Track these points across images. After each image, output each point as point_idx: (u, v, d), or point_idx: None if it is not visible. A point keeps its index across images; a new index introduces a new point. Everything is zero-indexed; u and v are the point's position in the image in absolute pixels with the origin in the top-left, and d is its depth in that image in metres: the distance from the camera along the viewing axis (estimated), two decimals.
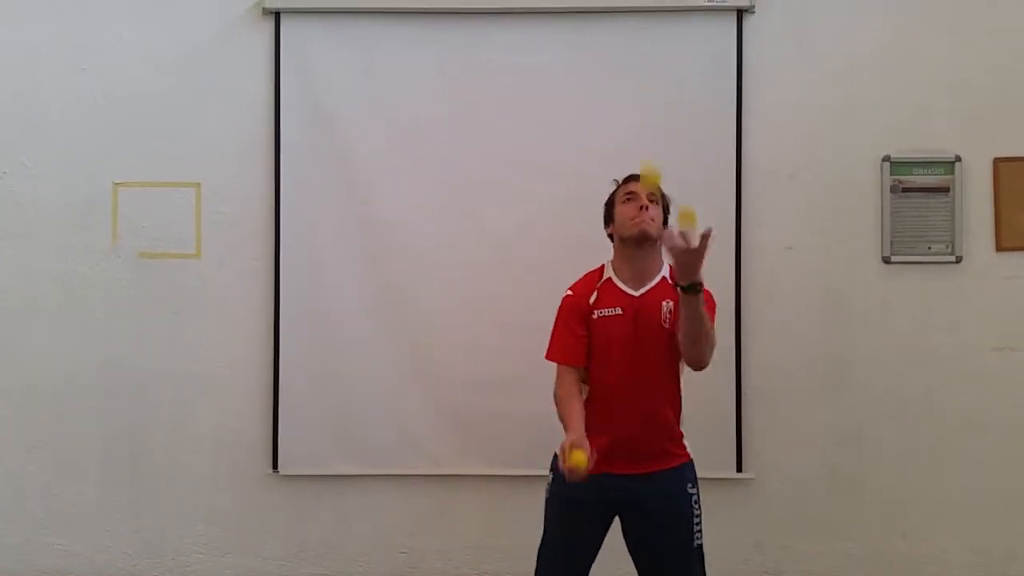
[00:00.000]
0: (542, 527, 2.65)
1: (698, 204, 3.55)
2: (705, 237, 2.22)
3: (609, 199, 2.65)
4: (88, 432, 3.68)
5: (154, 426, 3.68)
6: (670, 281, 2.54)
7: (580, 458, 2.27)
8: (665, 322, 2.50)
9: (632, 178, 2.60)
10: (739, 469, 3.61)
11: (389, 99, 3.62)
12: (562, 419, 2.49)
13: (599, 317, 2.51)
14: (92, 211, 3.67)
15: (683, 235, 2.21)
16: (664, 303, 2.52)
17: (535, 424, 3.39)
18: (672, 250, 2.25)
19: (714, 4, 3.61)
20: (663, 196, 2.59)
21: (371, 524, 3.69)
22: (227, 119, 3.67)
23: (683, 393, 2.62)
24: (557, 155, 3.58)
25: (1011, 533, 3.63)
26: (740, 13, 3.61)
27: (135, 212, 3.67)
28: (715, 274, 3.50)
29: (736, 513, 3.64)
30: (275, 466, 3.65)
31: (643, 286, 2.53)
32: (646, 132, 3.58)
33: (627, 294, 2.53)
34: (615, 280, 2.55)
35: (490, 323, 3.58)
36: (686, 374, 2.61)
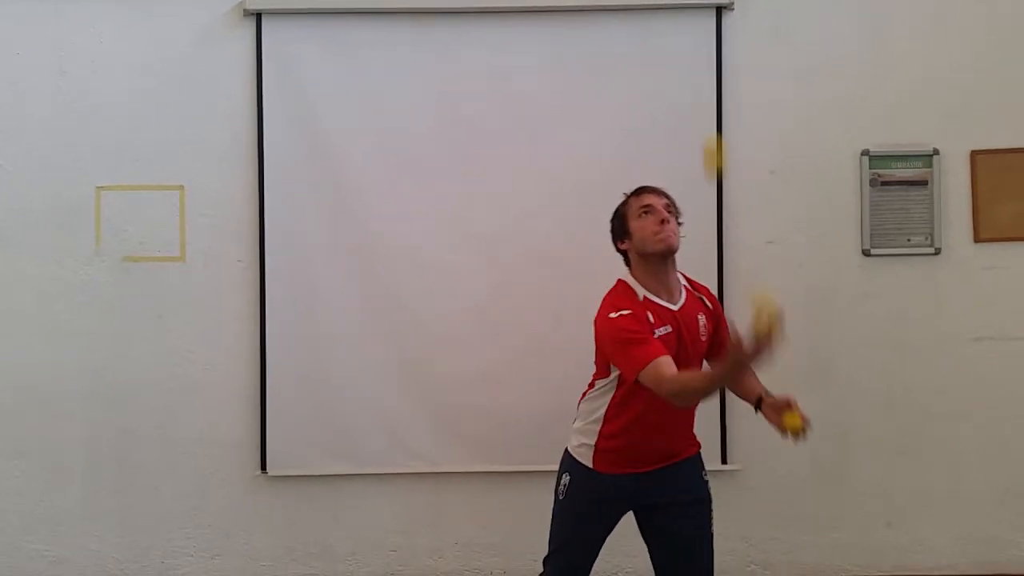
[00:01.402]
0: (552, 530, 2.64)
1: (679, 200, 3.59)
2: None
3: (619, 213, 2.59)
4: (73, 437, 3.66)
5: (140, 429, 3.67)
6: (693, 291, 2.59)
7: (794, 420, 2.34)
8: (703, 336, 2.54)
9: (645, 190, 2.56)
10: (724, 461, 3.65)
11: (372, 99, 3.63)
12: (707, 385, 2.35)
13: (658, 336, 2.41)
14: (75, 215, 3.65)
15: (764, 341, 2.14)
16: (699, 317, 2.54)
17: (523, 421, 3.42)
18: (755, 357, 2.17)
19: (693, 1, 3.64)
20: (676, 206, 2.58)
21: (360, 523, 3.69)
22: (209, 121, 3.66)
23: None
24: (540, 154, 3.60)
25: (993, 520, 3.68)
26: (719, 10, 3.64)
27: (118, 216, 3.66)
28: (697, 269, 3.52)
29: (722, 505, 3.57)
30: (263, 467, 3.65)
31: (676, 299, 2.51)
32: (628, 129, 3.61)
33: (669, 310, 2.49)
34: (651, 297, 2.48)
35: (476, 322, 3.59)
36: None
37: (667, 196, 2.56)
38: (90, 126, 3.65)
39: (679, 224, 2.54)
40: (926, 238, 3.68)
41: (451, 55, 3.64)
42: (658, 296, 2.49)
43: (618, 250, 2.60)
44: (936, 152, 3.67)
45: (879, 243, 3.67)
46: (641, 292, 2.49)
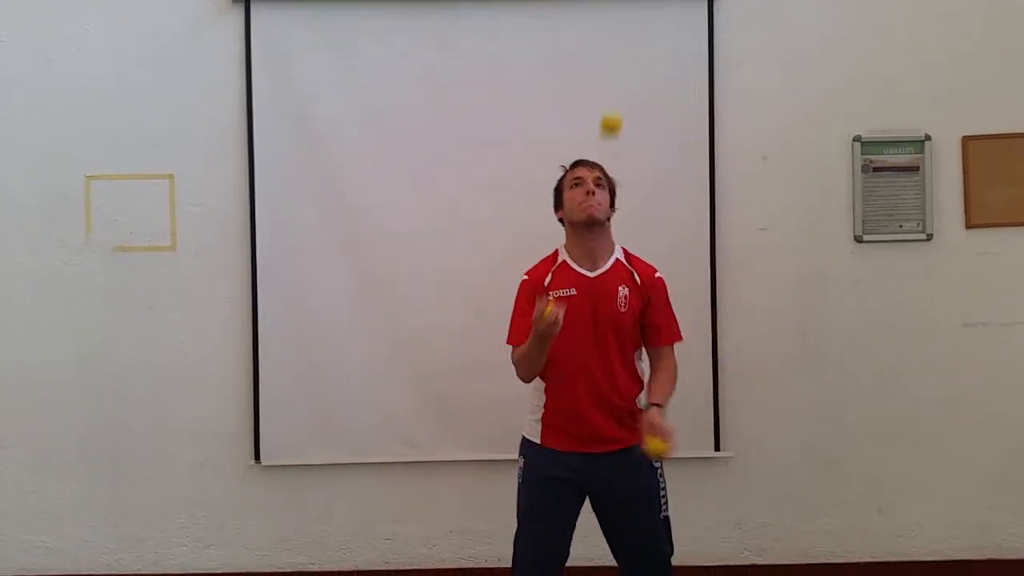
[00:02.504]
0: (516, 509, 2.71)
1: (672, 187, 3.64)
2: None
3: (558, 184, 2.76)
4: (66, 427, 3.66)
5: (133, 420, 3.66)
6: (625, 264, 2.67)
7: (546, 307, 2.39)
8: (621, 307, 2.61)
9: (579, 163, 2.71)
10: (717, 448, 3.66)
11: (362, 86, 3.61)
12: (525, 353, 2.56)
13: (554, 298, 2.56)
14: (64, 205, 3.64)
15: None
16: (620, 288, 2.63)
17: (515, 408, 3.39)
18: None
19: None
20: (609, 179, 2.70)
21: (354, 512, 3.70)
22: (199, 109, 3.64)
23: (641, 370, 2.71)
24: (531, 141, 3.59)
25: (984, 506, 3.70)
26: None
27: (108, 205, 3.64)
28: (690, 256, 3.60)
29: (715, 491, 3.69)
30: (257, 457, 3.65)
31: (597, 268, 2.64)
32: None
33: (582, 275, 2.63)
34: (569, 262, 2.65)
35: (468, 309, 3.59)
36: None
37: (600, 169, 2.69)
38: (79, 115, 3.63)
39: (612, 195, 2.69)
40: (918, 224, 3.68)
41: (442, 43, 3.62)
42: (579, 264, 2.64)
43: (559, 219, 2.75)
44: (928, 138, 3.67)
45: (871, 229, 3.68)
46: (562, 257, 2.67)
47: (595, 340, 2.59)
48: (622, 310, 2.61)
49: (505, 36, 3.63)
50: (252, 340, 3.63)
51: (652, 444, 2.43)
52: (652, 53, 3.63)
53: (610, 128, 2.59)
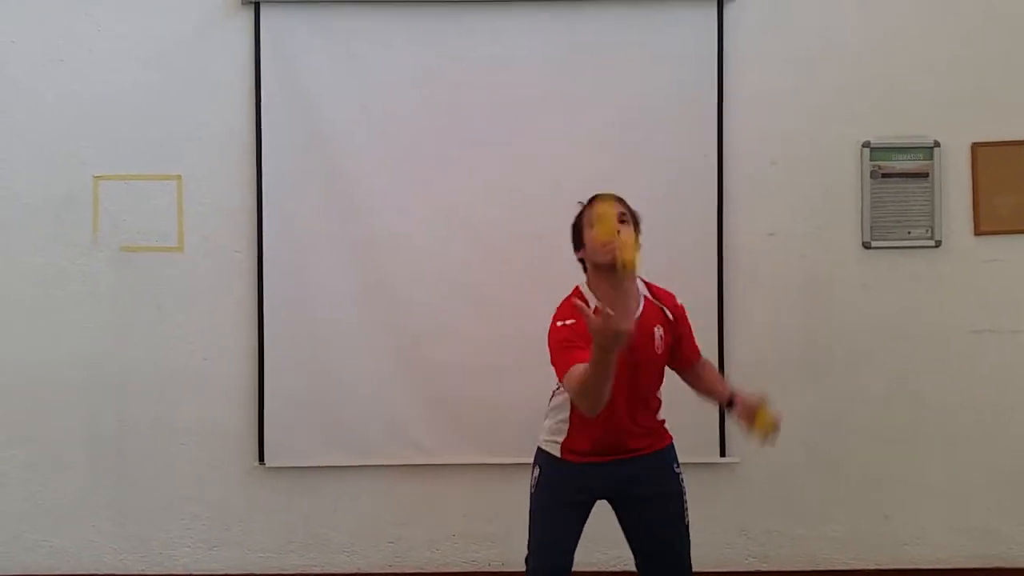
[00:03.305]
0: (529, 520, 2.62)
1: (680, 192, 3.63)
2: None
3: (576, 222, 2.54)
4: (72, 427, 3.66)
5: (138, 420, 3.67)
6: (653, 301, 2.53)
7: (631, 254, 2.24)
8: (659, 349, 2.50)
9: (597, 198, 2.47)
10: (723, 453, 3.65)
11: (370, 89, 3.61)
12: (589, 377, 2.18)
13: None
14: (72, 205, 3.64)
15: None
16: (656, 329, 2.49)
17: (521, 412, 3.41)
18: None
19: None
20: (632, 212, 2.49)
21: (358, 515, 3.69)
22: (207, 111, 3.64)
23: (667, 378, 2.64)
24: (538, 144, 3.59)
25: (991, 513, 3.69)
26: (720, 1, 3.62)
27: (116, 205, 3.65)
28: (698, 261, 3.59)
29: (720, 497, 3.67)
30: (261, 458, 3.65)
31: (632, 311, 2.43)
32: (628, 120, 3.60)
33: None
34: (603, 308, 2.34)
35: (474, 312, 3.59)
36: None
37: (621, 202, 2.46)
38: (88, 115, 3.64)
39: (637, 230, 2.47)
40: (926, 230, 3.67)
41: (449, 45, 3.62)
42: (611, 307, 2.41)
43: (579, 259, 2.55)
44: (937, 144, 3.65)
45: (879, 235, 3.66)
46: (594, 302, 2.42)
47: (630, 384, 2.44)
48: (659, 352, 2.50)
49: (513, 39, 3.63)
50: (258, 341, 3.63)
51: (762, 420, 2.41)
52: (661, 57, 3.62)
53: (627, 266, 2.33)
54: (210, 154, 3.64)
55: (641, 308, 2.49)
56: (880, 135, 3.66)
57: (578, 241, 2.53)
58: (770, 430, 2.44)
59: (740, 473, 3.68)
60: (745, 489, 3.68)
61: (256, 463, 3.65)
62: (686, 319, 2.62)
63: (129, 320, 3.65)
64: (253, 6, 3.60)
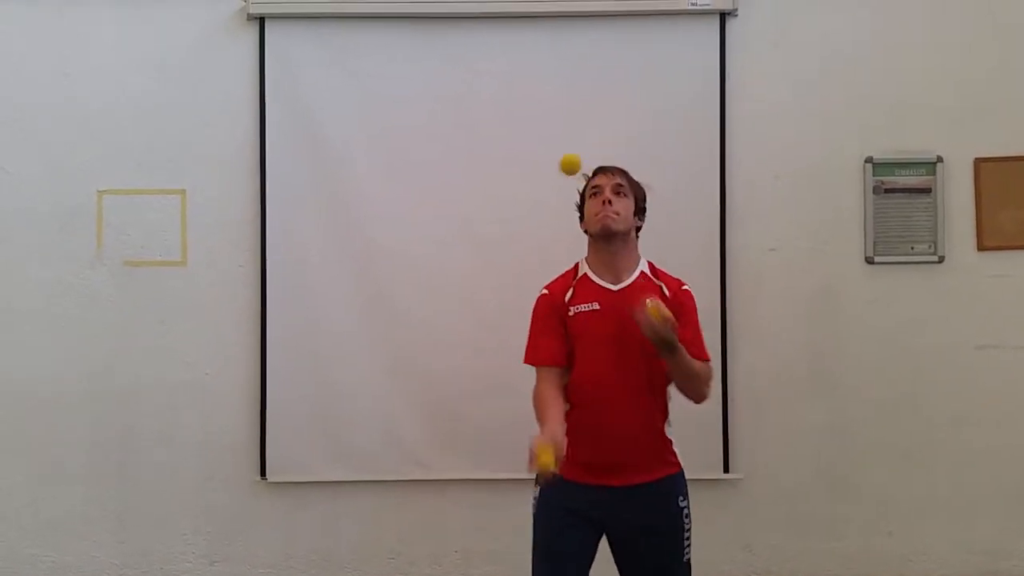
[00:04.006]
0: (532, 542, 2.55)
1: (683, 206, 3.62)
2: (670, 322, 2.23)
3: (581, 194, 2.58)
4: (74, 440, 3.66)
5: (140, 434, 3.66)
6: (651, 278, 2.50)
7: (547, 459, 2.10)
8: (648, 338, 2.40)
9: (599, 171, 2.52)
10: (726, 470, 3.63)
11: (374, 104, 3.63)
12: (538, 419, 2.35)
13: (576, 313, 2.42)
14: (76, 219, 3.65)
15: (655, 312, 2.21)
16: (648, 301, 2.38)
17: (523, 427, 3.35)
18: (646, 327, 2.24)
19: (697, 7, 3.63)
20: (636, 185, 2.52)
21: (360, 530, 3.68)
22: (212, 125, 3.66)
23: (669, 395, 2.54)
24: (542, 158, 3.55)
25: (996, 529, 3.67)
26: (723, 16, 3.64)
27: (120, 220, 3.65)
28: (700, 276, 3.56)
29: (724, 513, 3.66)
30: (263, 473, 3.64)
31: (620, 281, 2.45)
32: (631, 135, 3.59)
33: (604, 288, 2.44)
34: (591, 275, 2.47)
35: (478, 327, 3.58)
36: None
37: (621, 174, 2.50)
38: (92, 130, 3.65)
39: (638, 202, 2.51)
40: (929, 246, 3.66)
41: (454, 60, 3.64)
42: (600, 276, 2.47)
43: (584, 231, 2.57)
44: (940, 160, 3.66)
45: (882, 251, 3.66)
46: (583, 270, 2.51)
47: (619, 361, 2.37)
48: None
49: (517, 55, 3.65)
50: (260, 355, 3.63)
51: (544, 457, 2.14)
52: (664, 71, 3.64)
53: (568, 168, 2.45)
54: (214, 168, 3.66)
55: (633, 279, 2.46)
56: (883, 150, 3.66)
57: (581, 212, 2.57)
58: (652, 312, 2.25)
59: (744, 489, 3.66)
60: (749, 505, 3.66)
61: (258, 477, 3.64)
62: (690, 309, 2.47)
63: (132, 334, 3.66)
64: (258, 21, 3.62)
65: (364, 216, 3.63)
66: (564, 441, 2.21)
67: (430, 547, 3.68)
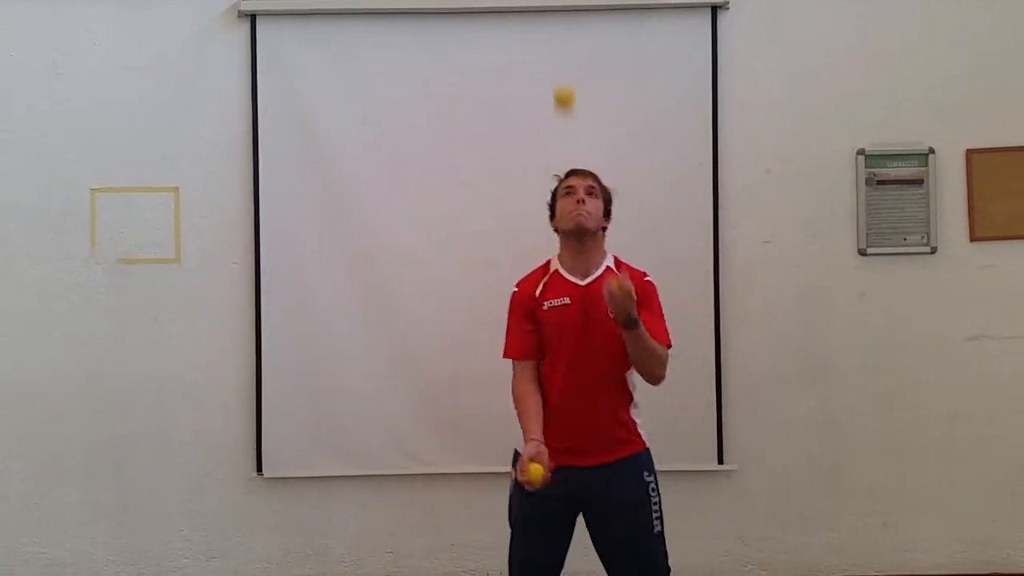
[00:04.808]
0: (509, 521, 2.65)
1: (676, 200, 3.63)
2: (630, 290, 2.33)
3: (552, 193, 2.69)
4: (69, 439, 3.66)
5: (136, 432, 3.67)
6: (615, 271, 2.57)
7: (537, 472, 2.32)
8: (611, 313, 2.51)
9: (572, 172, 2.66)
10: (720, 461, 3.64)
11: (367, 100, 3.63)
12: (520, 419, 2.53)
13: (548, 308, 2.55)
14: (70, 217, 3.65)
15: (617, 284, 2.31)
16: (613, 277, 2.51)
17: (516, 422, 3.41)
18: (608, 297, 2.34)
19: (689, 1, 3.64)
20: (604, 189, 2.64)
21: (356, 524, 3.69)
22: (204, 123, 3.66)
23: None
24: (535, 154, 3.58)
25: (989, 520, 3.68)
26: (714, 9, 3.64)
27: (113, 218, 3.66)
28: (694, 268, 3.59)
29: (718, 505, 3.67)
30: (259, 469, 3.65)
31: (588, 276, 2.58)
32: (624, 129, 3.61)
33: (574, 284, 2.58)
34: (561, 271, 2.60)
35: (471, 322, 3.58)
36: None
37: (592, 177, 2.63)
38: (85, 128, 3.65)
39: (606, 204, 2.62)
40: (922, 237, 3.68)
41: (446, 55, 3.64)
42: (570, 272, 2.59)
43: (554, 229, 2.68)
44: (932, 151, 3.67)
45: (875, 242, 3.67)
46: (555, 266, 2.63)
47: (585, 349, 2.52)
48: (611, 315, 2.50)
49: (509, 49, 3.64)
50: (255, 352, 3.64)
51: (534, 471, 2.35)
52: (656, 66, 3.64)
53: (562, 101, 2.57)
54: (207, 166, 3.66)
55: (599, 274, 2.57)
56: (875, 142, 3.67)
57: (553, 211, 2.68)
58: (531, 482, 2.38)
59: (738, 481, 3.68)
60: (743, 496, 3.68)
61: (254, 473, 3.65)
62: (653, 297, 2.59)
63: (127, 332, 3.66)
64: (249, 18, 3.62)
65: (357, 212, 3.63)
66: (546, 452, 2.40)
67: (426, 541, 3.70)
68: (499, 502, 3.55)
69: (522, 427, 2.51)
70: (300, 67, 3.62)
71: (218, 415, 3.67)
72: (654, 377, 2.54)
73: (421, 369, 3.62)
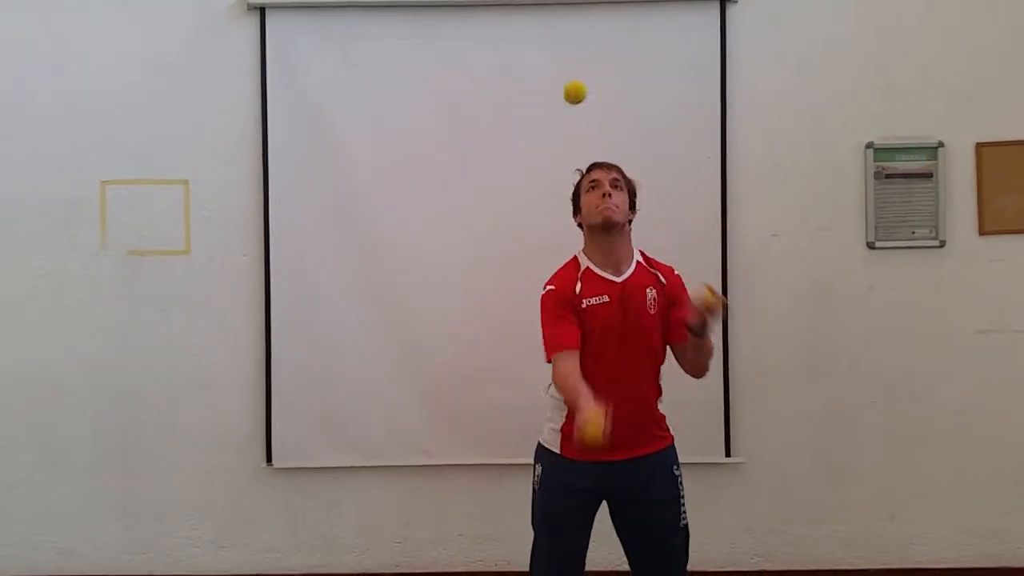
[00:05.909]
0: (532, 524, 2.63)
1: (684, 193, 3.63)
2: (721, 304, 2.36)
3: (575, 189, 2.66)
4: (79, 430, 3.69)
5: (146, 423, 3.69)
6: (647, 267, 2.60)
7: (595, 430, 2.18)
8: (651, 308, 2.54)
9: (595, 166, 2.63)
10: (728, 454, 3.65)
11: (375, 93, 3.63)
12: (570, 395, 2.39)
13: (588, 306, 2.51)
14: (80, 209, 3.67)
15: (712, 294, 2.34)
16: (648, 290, 2.55)
17: (523, 413, 3.41)
18: (698, 314, 2.37)
19: None
20: (629, 180, 2.62)
21: (365, 515, 3.72)
22: (214, 116, 3.67)
23: (672, 379, 2.64)
24: (541, 148, 3.60)
25: (996, 513, 3.68)
26: (723, 3, 3.64)
27: (123, 210, 3.67)
28: (701, 262, 3.59)
29: (725, 497, 3.68)
30: (269, 460, 3.67)
31: (622, 272, 2.56)
32: (631, 122, 3.60)
33: (610, 281, 2.54)
34: (593, 268, 2.56)
35: (477, 316, 3.60)
36: (669, 361, 2.64)
37: (617, 170, 2.61)
38: (94, 121, 3.67)
39: (631, 197, 2.61)
40: (931, 231, 3.67)
41: (455, 48, 3.64)
42: (602, 269, 2.55)
43: (577, 224, 2.67)
44: (941, 144, 3.66)
45: (884, 236, 3.67)
46: (585, 263, 2.58)
47: (624, 347, 2.50)
48: (651, 312, 2.54)
49: (517, 42, 3.64)
50: (265, 344, 3.66)
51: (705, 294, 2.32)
52: (664, 59, 3.63)
53: (573, 96, 2.57)
54: (217, 159, 3.67)
55: (632, 270, 2.57)
56: (884, 136, 3.66)
57: (576, 206, 2.65)
58: (707, 299, 2.34)
59: (745, 473, 3.68)
60: (750, 489, 3.69)
61: (264, 464, 3.68)
62: (683, 288, 2.59)
63: (136, 324, 3.68)
64: (258, 11, 3.63)
65: (366, 205, 3.64)
66: (610, 412, 2.22)
67: (433, 531, 3.72)
68: (506, 493, 3.61)
69: (576, 393, 2.33)
70: (309, 60, 3.63)
71: (228, 406, 3.69)
72: (703, 372, 2.59)
73: (429, 361, 3.63)
